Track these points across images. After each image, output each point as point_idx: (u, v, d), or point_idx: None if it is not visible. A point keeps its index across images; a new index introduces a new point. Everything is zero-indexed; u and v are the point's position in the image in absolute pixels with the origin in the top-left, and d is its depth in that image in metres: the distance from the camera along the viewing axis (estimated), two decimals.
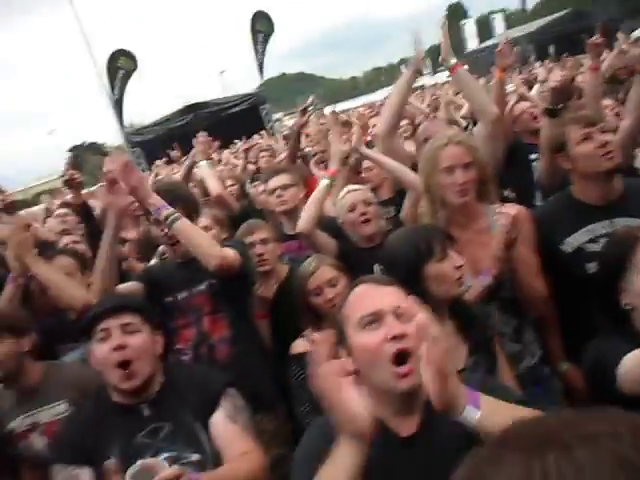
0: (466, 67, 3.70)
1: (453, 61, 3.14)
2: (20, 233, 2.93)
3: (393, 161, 3.21)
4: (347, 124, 6.84)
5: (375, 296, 1.57)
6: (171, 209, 2.60)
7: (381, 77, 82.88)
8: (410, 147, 4.37)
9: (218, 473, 1.94)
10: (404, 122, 7.00)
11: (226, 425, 2.05)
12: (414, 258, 2.12)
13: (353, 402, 1.33)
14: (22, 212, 5.02)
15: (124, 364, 2.02)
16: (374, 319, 1.51)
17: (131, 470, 1.72)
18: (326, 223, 3.30)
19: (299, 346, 2.77)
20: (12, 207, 4.27)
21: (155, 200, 2.60)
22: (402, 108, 3.37)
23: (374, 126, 5.65)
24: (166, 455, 1.99)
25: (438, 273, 2.10)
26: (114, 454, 1.99)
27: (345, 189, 3.39)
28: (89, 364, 2.26)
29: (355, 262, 2.95)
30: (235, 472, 1.95)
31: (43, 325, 2.96)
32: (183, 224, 2.61)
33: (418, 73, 3.27)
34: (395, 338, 1.46)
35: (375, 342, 1.48)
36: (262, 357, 3.01)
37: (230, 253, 2.70)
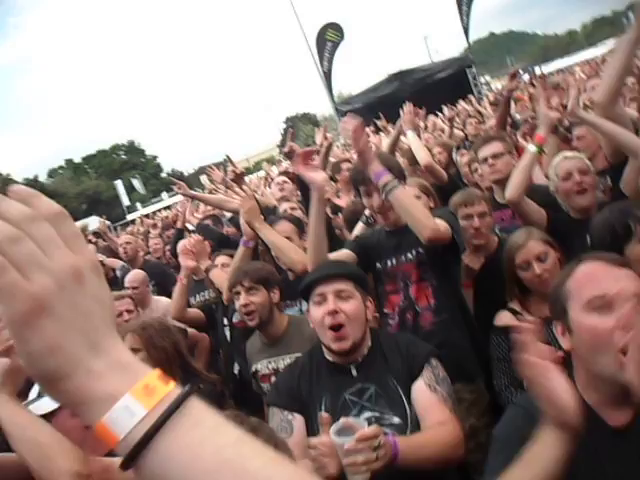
0: None
1: None
2: (249, 202, 3.32)
3: (615, 125, 2.96)
4: (558, 87, 6.38)
5: (608, 277, 1.46)
6: (391, 177, 2.67)
7: (604, 28, 74.66)
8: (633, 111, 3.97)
9: (413, 438, 2.02)
10: (631, 80, 6.31)
11: (426, 393, 2.12)
12: (610, 239, 1.99)
13: (562, 392, 1.28)
14: (246, 179, 5.56)
15: (337, 327, 2.19)
16: (606, 303, 1.41)
17: (335, 427, 1.87)
18: (537, 191, 3.18)
19: (503, 318, 2.75)
20: (241, 177, 4.75)
21: (377, 167, 2.69)
22: (626, 72, 3.06)
23: (593, 88, 5.22)
24: (369, 415, 2.13)
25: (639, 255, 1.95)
26: (323, 407, 2.19)
27: (560, 155, 3.22)
28: None
29: (567, 234, 2.82)
30: (431, 440, 2.01)
31: None
32: (401, 193, 2.68)
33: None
34: (627, 328, 1.36)
35: (606, 328, 1.38)
36: (465, 327, 3.01)
37: (442, 226, 2.72)
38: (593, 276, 1.49)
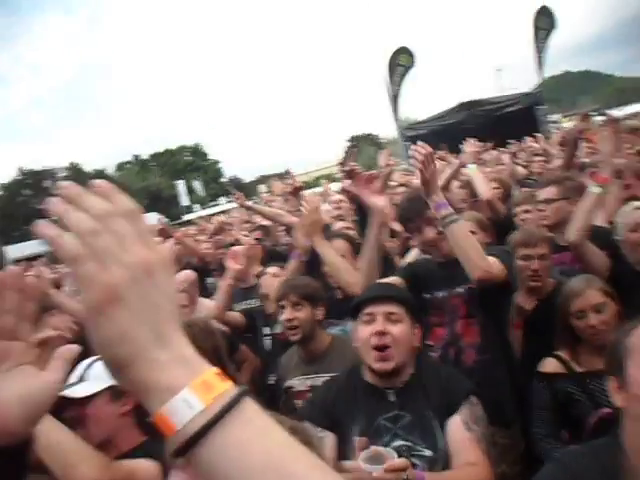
0: None
1: None
2: (314, 215, 3.32)
3: None
4: (637, 131, 6.18)
5: None
6: (451, 210, 2.65)
7: None
8: None
9: (442, 476, 2.00)
10: None
11: (461, 431, 2.09)
12: None
13: None
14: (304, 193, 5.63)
15: (382, 348, 2.19)
16: None
17: (364, 454, 1.88)
18: (602, 237, 3.11)
19: (549, 365, 2.69)
20: (298, 191, 4.81)
21: (440, 197, 2.67)
22: None
23: None
24: (401, 443, 2.11)
25: None
26: (356, 428, 2.19)
27: (631, 205, 3.14)
28: None
29: (628, 285, 2.73)
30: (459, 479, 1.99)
31: None
32: (458, 228, 2.64)
33: None
34: None
35: None
36: (508, 369, 2.93)
37: (495, 266, 2.66)
38: None
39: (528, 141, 9.92)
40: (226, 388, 0.62)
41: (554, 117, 23.04)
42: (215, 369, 0.64)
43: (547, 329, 2.77)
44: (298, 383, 3.02)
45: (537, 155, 7.49)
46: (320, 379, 2.90)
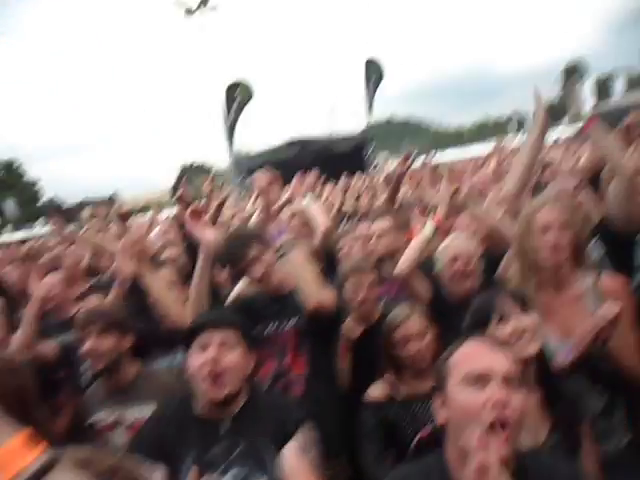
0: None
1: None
2: (139, 243, 3.16)
3: (498, 219, 3.15)
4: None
5: (487, 356, 1.55)
6: (288, 239, 2.70)
7: (488, 128, 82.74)
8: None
9: None
10: None
11: (296, 458, 2.06)
12: (472, 325, 2.12)
13: None
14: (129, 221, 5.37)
15: (215, 376, 2.10)
16: (481, 378, 1.49)
17: None
18: (425, 268, 3.28)
19: (375, 391, 2.76)
20: (126, 217, 4.59)
21: (279, 225, 2.70)
22: (532, 168, 3.27)
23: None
24: (236, 471, 2.04)
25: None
26: (189, 460, 2.07)
27: (451, 237, 3.32)
28: (179, 374, 2.35)
29: (444, 315, 2.88)
30: None
31: (138, 329, 3.11)
32: (295, 257, 2.69)
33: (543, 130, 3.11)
34: (496, 406, 1.44)
35: (476, 404, 1.45)
36: (335, 399, 2.98)
37: (329, 297, 2.72)
38: (473, 353, 1.58)
39: (356, 179, 10.49)
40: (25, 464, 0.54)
41: (379, 158, 24.73)
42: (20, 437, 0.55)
43: (373, 355, 2.84)
44: (104, 417, 2.81)
45: (364, 192, 7.93)
46: (127, 410, 2.75)
